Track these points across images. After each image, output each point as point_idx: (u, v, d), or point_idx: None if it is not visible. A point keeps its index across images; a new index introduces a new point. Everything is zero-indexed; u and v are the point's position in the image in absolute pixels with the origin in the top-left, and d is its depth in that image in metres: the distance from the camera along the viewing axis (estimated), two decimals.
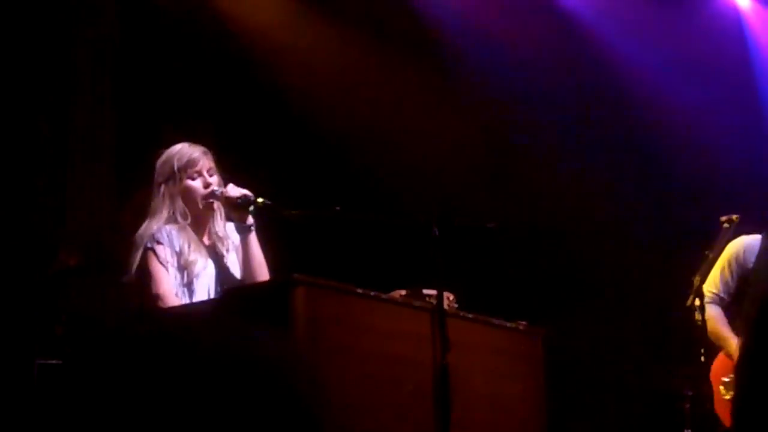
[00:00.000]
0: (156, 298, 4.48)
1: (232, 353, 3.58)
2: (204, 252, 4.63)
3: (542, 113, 7.48)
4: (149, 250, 4.53)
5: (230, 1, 7.06)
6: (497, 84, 7.40)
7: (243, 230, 4.60)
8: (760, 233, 5.62)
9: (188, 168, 4.63)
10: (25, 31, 6.58)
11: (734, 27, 7.84)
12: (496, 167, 7.44)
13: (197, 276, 4.57)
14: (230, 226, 4.78)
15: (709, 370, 5.43)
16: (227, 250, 4.71)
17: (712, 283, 5.58)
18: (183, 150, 4.68)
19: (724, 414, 5.35)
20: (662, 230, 7.34)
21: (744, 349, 1.46)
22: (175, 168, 4.63)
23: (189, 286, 4.56)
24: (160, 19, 6.88)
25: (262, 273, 4.57)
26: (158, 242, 4.53)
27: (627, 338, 7.31)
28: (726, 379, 5.48)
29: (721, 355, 5.53)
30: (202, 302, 4.49)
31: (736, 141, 7.35)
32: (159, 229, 4.56)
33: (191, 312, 4.22)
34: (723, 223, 5.43)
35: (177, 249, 4.55)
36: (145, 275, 4.52)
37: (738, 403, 1.41)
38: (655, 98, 7.56)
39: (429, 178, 7.07)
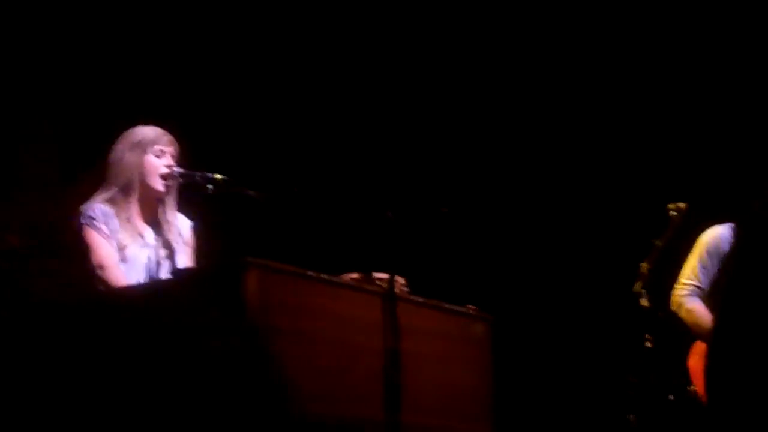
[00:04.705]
0: (98, 267, 4.50)
1: (184, 337, 3.54)
2: (140, 238, 4.65)
3: (492, 100, 7.51)
4: (84, 225, 4.57)
5: None
6: (448, 68, 7.41)
7: None
8: (727, 221, 5.54)
9: (155, 144, 4.69)
10: None
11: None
12: (447, 152, 7.46)
13: (126, 259, 4.59)
14: (182, 219, 4.82)
15: (654, 356, 5.44)
16: (176, 242, 4.71)
17: (691, 274, 5.53)
18: (153, 129, 4.75)
19: None
20: (609, 217, 7.39)
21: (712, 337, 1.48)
22: (143, 140, 4.68)
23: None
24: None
25: None
26: (93, 218, 4.57)
27: (575, 323, 7.37)
28: None
29: (698, 348, 5.49)
30: (150, 283, 4.49)
31: (685, 127, 7.42)
32: (92, 207, 4.60)
33: (138, 293, 4.21)
34: (670, 210, 5.47)
35: (111, 228, 4.59)
36: (84, 248, 4.55)
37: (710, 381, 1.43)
38: (602, 82, 7.60)
39: (382, 164, 7.06)
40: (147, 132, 4.73)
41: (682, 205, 5.49)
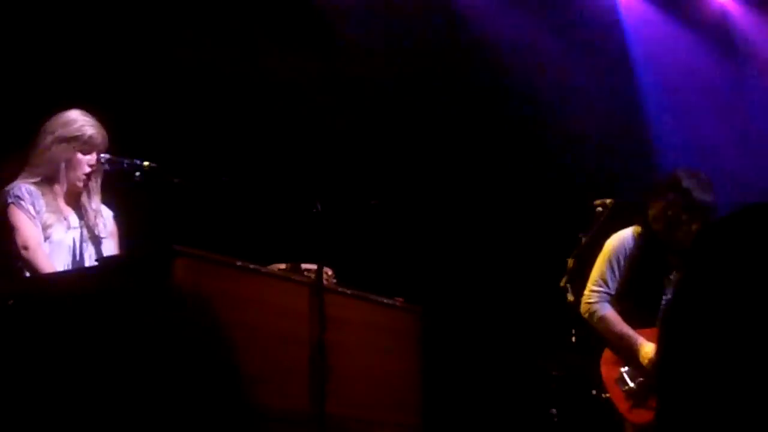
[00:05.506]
0: (23, 248, 4.48)
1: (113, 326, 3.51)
2: (64, 221, 4.62)
3: (422, 94, 7.53)
4: (11, 205, 4.54)
5: None
6: (379, 64, 7.42)
7: None
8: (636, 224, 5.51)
9: (85, 143, 4.66)
10: None
11: (611, 15, 7.99)
12: (377, 144, 7.46)
13: (51, 240, 4.57)
14: (105, 210, 4.80)
15: (581, 350, 5.46)
16: (99, 231, 4.69)
17: (599, 279, 5.47)
18: (86, 125, 4.69)
19: (625, 407, 5.33)
20: (536, 211, 7.44)
21: (658, 354, 1.48)
22: (73, 137, 4.65)
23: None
24: None
25: None
26: (20, 198, 4.54)
27: (501, 316, 7.42)
28: (624, 369, 5.37)
29: (607, 357, 5.47)
30: (77, 271, 4.46)
31: (611, 125, 7.52)
32: (19, 187, 4.58)
33: (65, 281, 4.17)
34: (596, 206, 5.50)
35: (37, 209, 4.55)
36: (9, 229, 4.51)
37: (660, 402, 1.43)
38: (531, 81, 7.66)
39: (312, 154, 7.04)
40: (79, 128, 4.67)
41: (608, 201, 5.51)
